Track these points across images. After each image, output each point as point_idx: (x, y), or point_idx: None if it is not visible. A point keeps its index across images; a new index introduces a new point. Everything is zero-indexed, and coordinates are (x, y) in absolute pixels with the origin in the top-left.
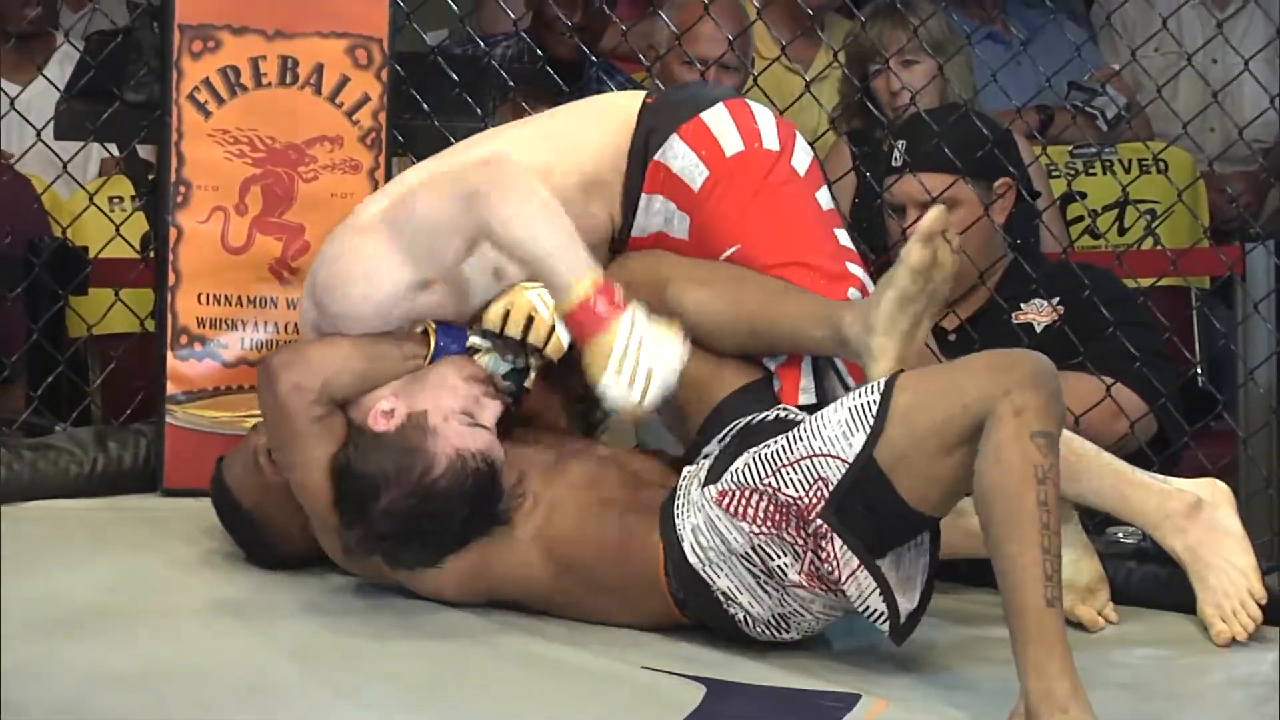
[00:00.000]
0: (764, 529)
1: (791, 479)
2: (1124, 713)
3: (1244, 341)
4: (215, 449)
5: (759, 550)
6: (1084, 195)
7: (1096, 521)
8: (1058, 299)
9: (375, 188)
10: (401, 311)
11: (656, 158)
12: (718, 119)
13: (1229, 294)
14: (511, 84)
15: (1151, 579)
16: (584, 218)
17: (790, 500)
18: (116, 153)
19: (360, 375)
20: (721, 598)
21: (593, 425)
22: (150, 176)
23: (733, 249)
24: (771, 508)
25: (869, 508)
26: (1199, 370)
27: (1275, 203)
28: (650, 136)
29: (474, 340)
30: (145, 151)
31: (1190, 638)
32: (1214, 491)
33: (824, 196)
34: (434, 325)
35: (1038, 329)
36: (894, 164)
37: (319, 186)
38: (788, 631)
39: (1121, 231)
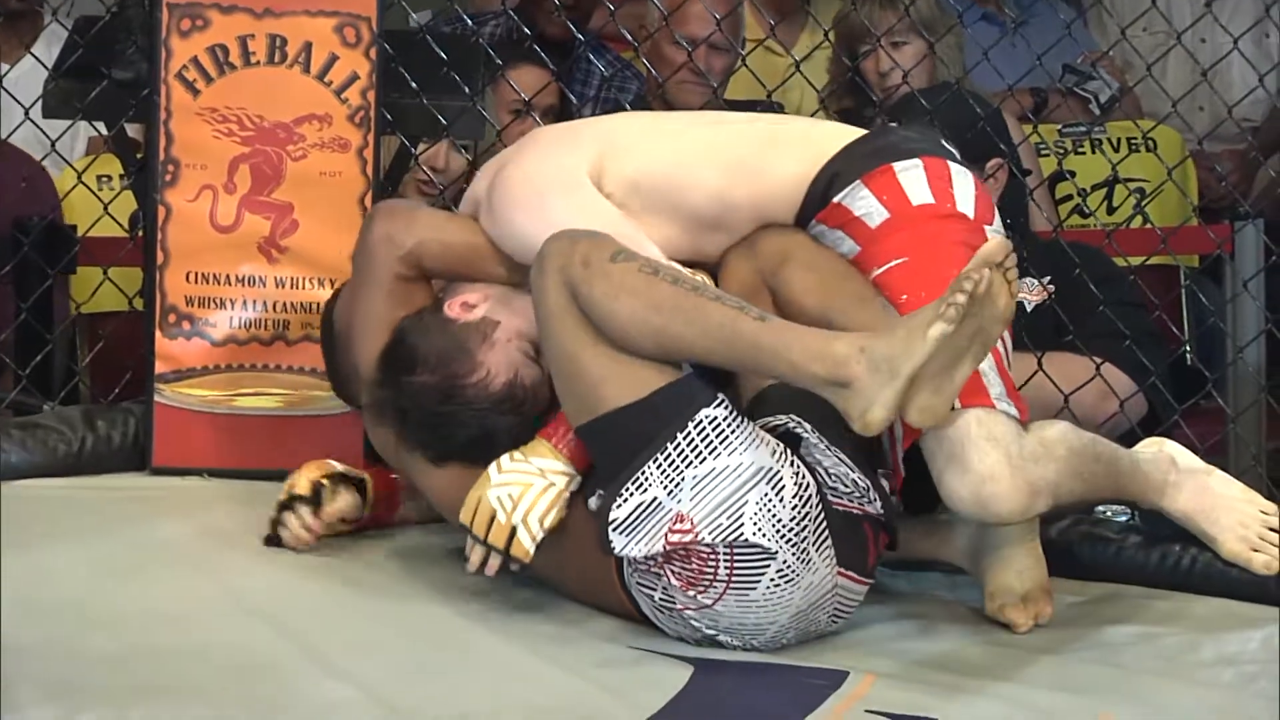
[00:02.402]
0: (628, 570)
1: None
2: (1113, 691)
3: (1233, 320)
4: (203, 428)
5: (640, 589)
6: (1073, 174)
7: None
8: (1048, 278)
9: (364, 166)
10: None
11: (837, 199)
12: (910, 173)
13: (1218, 272)
14: (500, 62)
15: (1140, 556)
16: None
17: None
18: (104, 131)
19: (456, 255)
20: (651, 616)
21: None
22: (138, 155)
23: (896, 261)
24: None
25: (611, 456)
26: (1188, 348)
27: (1264, 181)
28: (835, 178)
29: None
30: (133, 130)
31: (1179, 615)
32: (1166, 445)
33: None
34: None
35: (1028, 308)
36: None
37: (308, 165)
38: (722, 646)
39: (1110, 210)
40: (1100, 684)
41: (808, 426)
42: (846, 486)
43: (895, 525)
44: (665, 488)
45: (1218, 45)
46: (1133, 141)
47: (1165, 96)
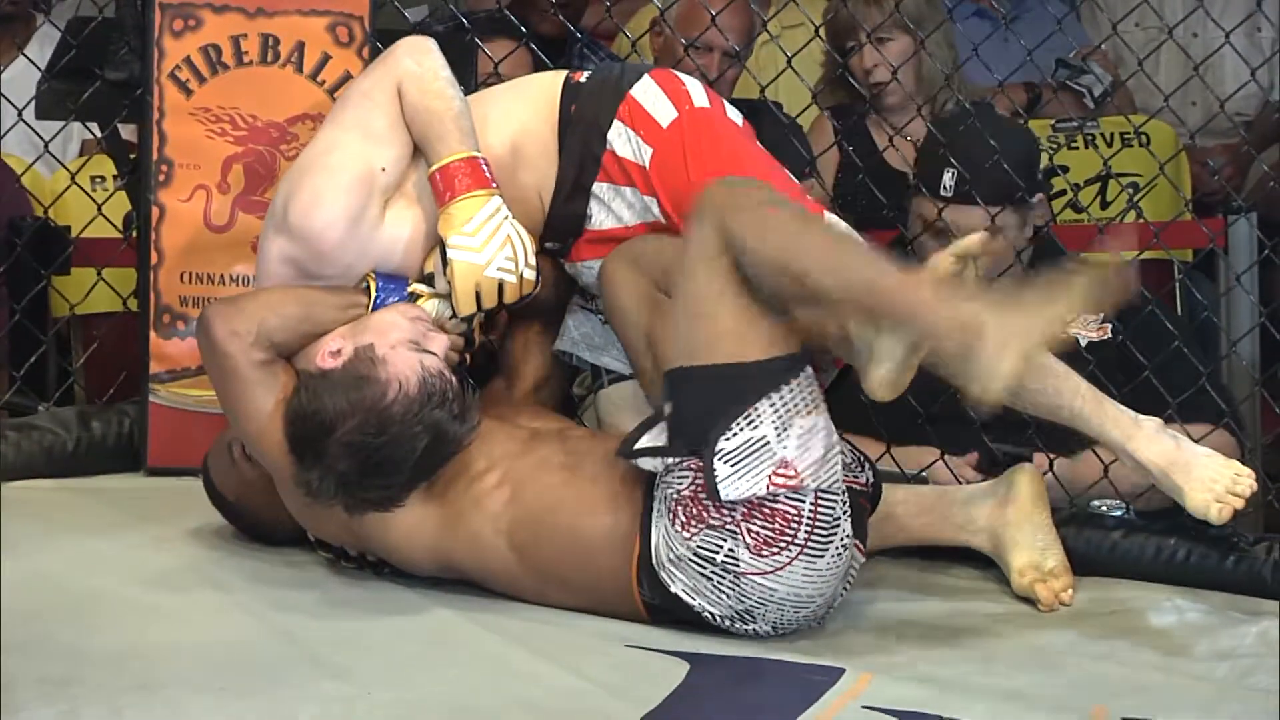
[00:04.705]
0: (692, 528)
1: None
2: (1106, 685)
3: (1227, 314)
4: (198, 427)
5: (700, 551)
6: (1066, 169)
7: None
8: (1103, 319)
9: None
10: (374, 212)
11: (607, 149)
12: (647, 92)
13: (1211, 266)
14: (496, 62)
15: (1135, 550)
16: (512, 187)
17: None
18: (98, 132)
19: (297, 318)
20: (684, 595)
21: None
22: (132, 156)
23: None
24: (688, 505)
25: (698, 401)
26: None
27: (1257, 175)
28: (593, 124)
29: (416, 286)
30: (127, 131)
31: (1173, 609)
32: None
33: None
34: (374, 276)
35: (1083, 343)
36: (943, 193)
37: None
38: (754, 622)
39: (1104, 205)
40: (1094, 678)
41: None
42: (847, 458)
43: (880, 489)
44: (776, 429)
45: (1210, 39)
46: (1125, 136)
47: (1157, 91)
